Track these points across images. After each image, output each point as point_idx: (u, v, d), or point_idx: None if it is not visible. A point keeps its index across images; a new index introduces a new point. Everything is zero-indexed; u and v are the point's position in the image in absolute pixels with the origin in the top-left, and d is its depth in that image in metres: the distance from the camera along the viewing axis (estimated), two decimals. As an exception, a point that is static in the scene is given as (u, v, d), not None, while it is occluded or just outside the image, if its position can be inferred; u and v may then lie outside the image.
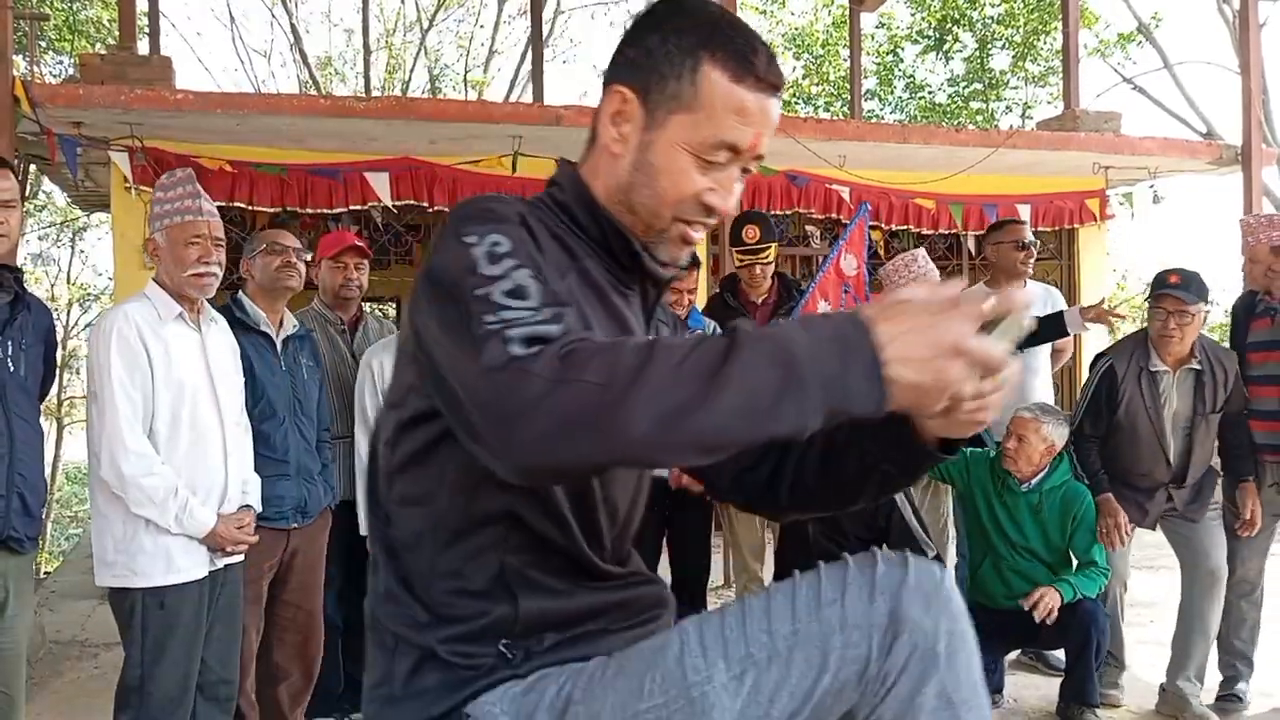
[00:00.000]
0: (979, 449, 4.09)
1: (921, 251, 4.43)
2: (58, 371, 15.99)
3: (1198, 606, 3.93)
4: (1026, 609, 3.71)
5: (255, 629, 3.16)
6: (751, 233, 4.35)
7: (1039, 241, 4.81)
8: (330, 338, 3.81)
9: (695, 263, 4.28)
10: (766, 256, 4.38)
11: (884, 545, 4.28)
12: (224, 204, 5.77)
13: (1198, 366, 3.84)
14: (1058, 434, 3.90)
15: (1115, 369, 3.91)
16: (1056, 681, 4.10)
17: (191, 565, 2.74)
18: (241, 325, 3.13)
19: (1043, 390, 4.58)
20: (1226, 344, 4.21)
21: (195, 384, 2.77)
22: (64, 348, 16.55)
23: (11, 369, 2.69)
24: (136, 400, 2.65)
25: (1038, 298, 4.54)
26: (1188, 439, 3.88)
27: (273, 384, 3.11)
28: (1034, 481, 3.93)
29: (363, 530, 3.31)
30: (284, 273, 3.24)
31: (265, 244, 3.28)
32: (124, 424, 2.62)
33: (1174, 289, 3.73)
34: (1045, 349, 4.59)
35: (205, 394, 2.80)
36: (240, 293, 3.33)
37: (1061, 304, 4.64)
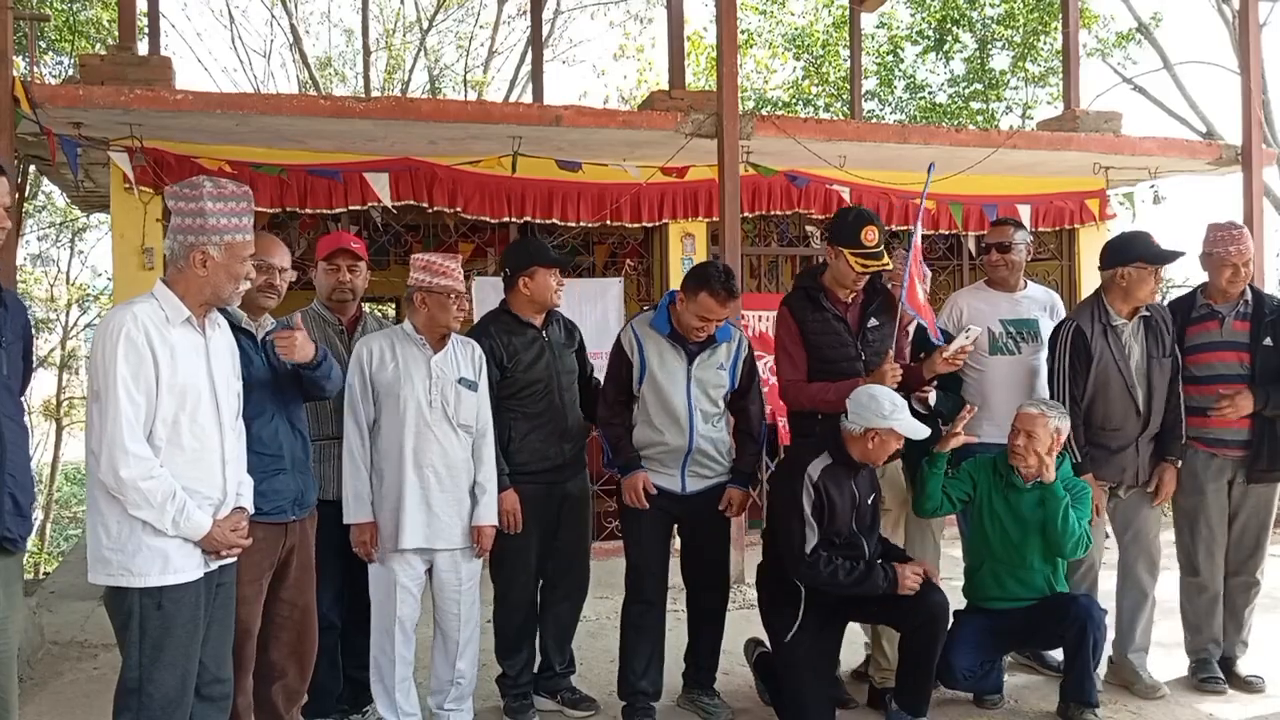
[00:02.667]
0: (983, 455, 4.08)
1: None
2: (57, 372, 16.02)
3: (1142, 581, 4.19)
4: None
5: (257, 628, 3.15)
6: (872, 235, 3.81)
7: (1025, 242, 4.49)
8: (329, 338, 3.79)
9: (732, 294, 3.77)
10: (888, 262, 3.88)
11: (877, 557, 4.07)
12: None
13: (1146, 312, 4.12)
14: (1063, 424, 3.97)
15: (1083, 329, 4.09)
16: (1056, 681, 4.09)
17: (188, 566, 2.72)
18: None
19: (1043, 389, 4.54)
20: None
21: (198, 388, 2.76)
22: (63, 348, 16.53)
23: None
24: (139, 403, 2.63)
25: (1039, 302, 4.46)
26: (1148, 385, 4.09)
27: (259, 381, 3.11)
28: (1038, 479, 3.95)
29: None
30: (263, 293, 3.21)
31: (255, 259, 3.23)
32: (125, 426, 2.60)
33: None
34: (1044, 349, 4.53)
35: (206, 399, 2.78)
36: None
37: (1062, 311, 4.52)
